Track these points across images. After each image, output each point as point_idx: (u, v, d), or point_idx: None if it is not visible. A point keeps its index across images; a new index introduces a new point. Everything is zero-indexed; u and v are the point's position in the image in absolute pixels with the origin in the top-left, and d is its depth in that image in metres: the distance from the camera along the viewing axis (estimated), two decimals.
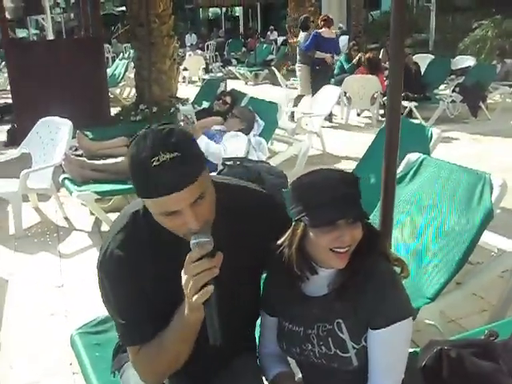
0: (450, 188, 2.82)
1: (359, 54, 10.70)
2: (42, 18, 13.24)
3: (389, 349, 1.54)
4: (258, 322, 1.86)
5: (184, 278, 1.37)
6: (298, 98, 9.39)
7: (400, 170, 3.08)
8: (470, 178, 2.75)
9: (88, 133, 6.03)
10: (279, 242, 1.59)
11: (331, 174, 1.56)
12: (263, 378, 1.79)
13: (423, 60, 11.10)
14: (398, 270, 1.65)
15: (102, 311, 2.26)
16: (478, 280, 2.85)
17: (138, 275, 1.53)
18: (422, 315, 2.51)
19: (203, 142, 4.73)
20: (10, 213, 5.00)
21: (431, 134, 3.89)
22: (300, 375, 1.82)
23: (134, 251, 1.53)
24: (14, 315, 3.49)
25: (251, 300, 1.76)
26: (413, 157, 3.11)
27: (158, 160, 1.32)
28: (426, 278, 2.64)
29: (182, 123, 5.06)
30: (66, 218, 5.11)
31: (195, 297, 1.36)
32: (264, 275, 1.78)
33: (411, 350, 2.08)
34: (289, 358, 1.81)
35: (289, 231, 1.58)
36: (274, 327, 1.74)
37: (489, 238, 2.87)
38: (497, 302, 2.94)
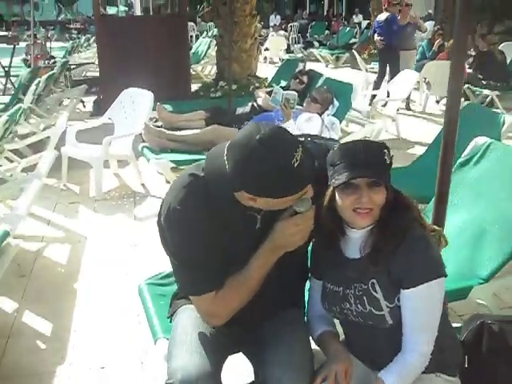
0: None
1: (438, 40, 10.46)
2: None
3: (420, 308, 1.65)
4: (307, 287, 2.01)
5: (296, 228, 1.69)
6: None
7: (466, 153, 3.09)
8: None
9: (168, 106, 6.30)
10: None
11: (359, 142, 1.74)
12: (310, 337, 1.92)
13: (511, 48, 10.70)
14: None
15: (168, 267, 2.47)
16: None
17: (198, 230, 1.69)
18: (474, 295, 2.55)
19: (291, 127, 4.77)
20: (92, 176, 5.34)
21: (503, 120, 3.84)
22: (343, 337, 1.94)
23: (193, 210, 1.69)
24: (90, 270, 3.78)
25: (301, 257, 1.92)
26: (480, 140, 3.10)
27: (297, 159, 1.53)
28: (481, 260, 2.66)
29: (279, 106, 5.10)
30: (143, 185, 5.40)
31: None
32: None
33: (457, 325, 2.15)
34: (334, 321, 1.94)
35: None
36: (320, 290, 1.88)
37: None
38: None
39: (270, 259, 1.74)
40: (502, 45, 10.73)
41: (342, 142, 4.85)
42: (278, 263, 1.76)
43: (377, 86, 9.00)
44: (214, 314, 1.78)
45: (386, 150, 1.69)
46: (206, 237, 1.69)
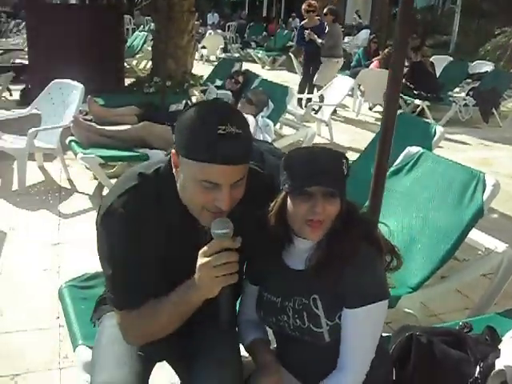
0: (444, 183, 2.86)
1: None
2: None
3: (361, 329, 1.58)
4: None
5: (203, 262, 1.45)
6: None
7: (398, 161, 3.13)
8: (465, 175, 2.79)
9: (99, 99, 6.08)
10: (268, 209, 1.63)
11: (318, 149, 1.61)
12: (240, 346, 1.82)
13: (441, 61, 11.05)
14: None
15: (92, 269, 2.34)
16: (462, 276, 2.89)
17: (139, 240, 1.52)
18: (402, 304, 2.55)
19: None
20: (16, 169, 5.07)
21: (435, 131, 3.92)
22: (275, 345, 1.86)
23: (138, 215, 1.52)
24: (8, 267, 3.57)
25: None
26: (412, 150, 3.15)
27: (225, 130, 1.40)
28: (410, 269, 2.68)
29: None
30: (69, 180, 5.19)
31: (213, 285, 1.46)
32: None
33: (385, 334, 2.14)
34: (267, 328, 1.85)
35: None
36: (255, 295, 1.77)
37: (477, 237, 2.91)
38: (479, 300, 2.98)
39: (190, 301, 1.54)
40: (431, 58, 11.09)
41: (276, 144, 4.89)
42: None
43: (301, 89, 9.06)
44: (126, 332, 1.63)
45: (344, 160, 1.58)
46: (145, 248, 1.53)
